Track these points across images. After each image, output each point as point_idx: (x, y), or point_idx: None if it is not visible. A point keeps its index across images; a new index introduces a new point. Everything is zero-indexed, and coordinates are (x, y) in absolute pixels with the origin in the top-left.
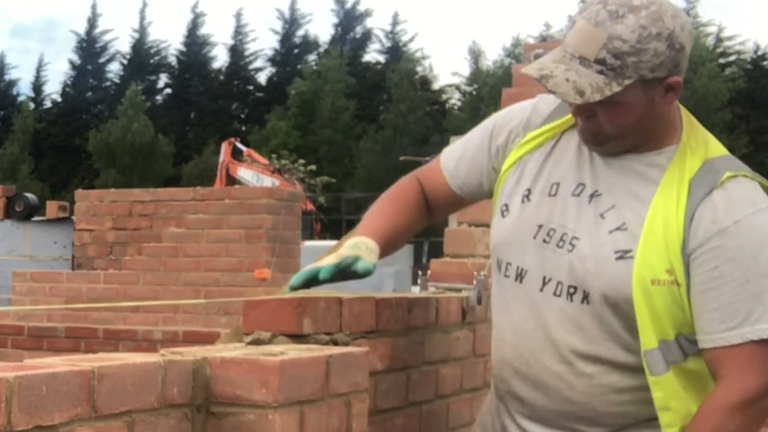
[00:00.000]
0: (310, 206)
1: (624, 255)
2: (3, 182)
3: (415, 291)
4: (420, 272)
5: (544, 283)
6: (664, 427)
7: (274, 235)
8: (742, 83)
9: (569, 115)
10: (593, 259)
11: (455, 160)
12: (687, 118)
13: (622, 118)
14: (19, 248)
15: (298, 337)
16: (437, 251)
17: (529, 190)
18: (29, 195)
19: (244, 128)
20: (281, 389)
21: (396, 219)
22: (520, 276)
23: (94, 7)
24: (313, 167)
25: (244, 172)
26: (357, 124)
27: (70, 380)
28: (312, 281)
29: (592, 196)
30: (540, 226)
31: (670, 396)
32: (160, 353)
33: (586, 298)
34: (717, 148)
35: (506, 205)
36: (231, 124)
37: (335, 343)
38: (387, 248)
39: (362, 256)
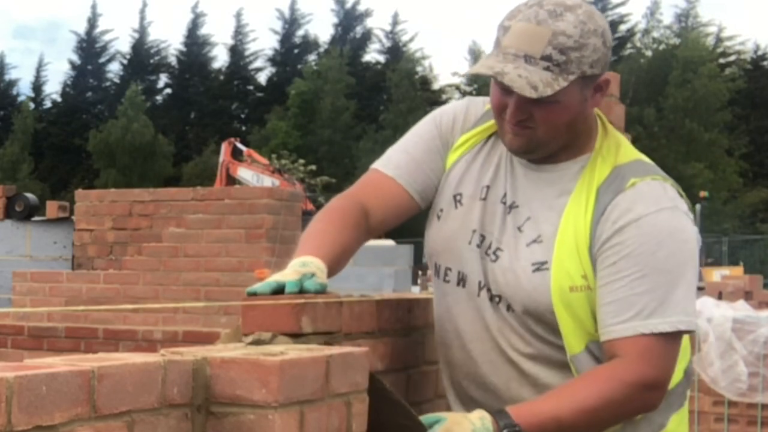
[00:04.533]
0: (310, 206)
1: (540, 267)
2: (3, 182)
3: (415, 291)
4: (420, 272)
5: (480, 288)
6: None
7: (274, 235)
8: (742, 83)
9: (493, 121)
10: (512, 272)
11: (403, 168)
12: (602, 126)
13: (558, 117)
14: (19, 248)
15: (297, 337)
16: None
17: (460, 194)
18: (29, 195)
19: (244, 128)
20: (281, 389)
21: (339, 238)
22: (462, 281)
23: (94, 7)
24: (313, 167)
25: (244, 172)
26: (357, 124)
27: (70, 380)
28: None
29: (510, 207)
30: (474, 231)
31: None
32: (160, 353)
33: (509, 307)
34: (627, 153)
35: (442, 210)
36: (231, 124)
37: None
38: (332, 269)
39: (316, 274)
